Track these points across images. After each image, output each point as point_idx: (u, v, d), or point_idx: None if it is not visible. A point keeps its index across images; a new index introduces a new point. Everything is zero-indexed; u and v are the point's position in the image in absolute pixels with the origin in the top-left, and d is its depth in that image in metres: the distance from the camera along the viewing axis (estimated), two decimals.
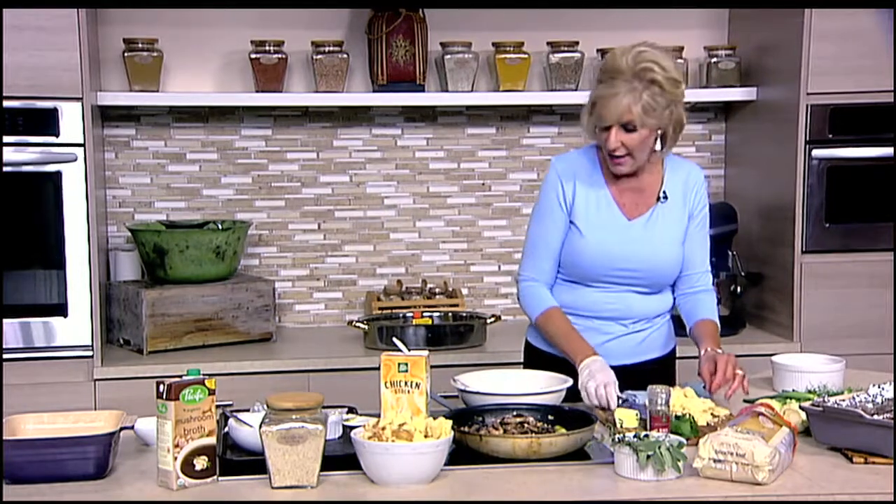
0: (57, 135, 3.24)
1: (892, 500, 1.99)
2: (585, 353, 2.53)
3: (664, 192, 2.66)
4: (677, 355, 2.84)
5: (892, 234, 3.57)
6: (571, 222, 2.64)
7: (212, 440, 2.05)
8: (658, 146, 2.58)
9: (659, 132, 2.56)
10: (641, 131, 2.53)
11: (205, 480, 2.04)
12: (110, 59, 3.66)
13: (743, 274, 3.78)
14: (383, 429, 2.07)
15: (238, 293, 3.56)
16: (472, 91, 3.77)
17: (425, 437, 2.05)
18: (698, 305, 2.70)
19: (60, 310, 3.29)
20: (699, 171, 2.74)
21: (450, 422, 2.12)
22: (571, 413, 2.31)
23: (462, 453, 2.17)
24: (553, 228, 2.65)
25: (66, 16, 3.19)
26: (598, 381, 2.43)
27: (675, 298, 2.74)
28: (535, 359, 2.76)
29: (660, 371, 2.71)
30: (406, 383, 2.21)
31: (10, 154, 3.22)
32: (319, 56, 3.67)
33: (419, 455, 2.02)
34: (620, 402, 2.38)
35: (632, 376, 2.56)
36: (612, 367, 2.51)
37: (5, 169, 3.22)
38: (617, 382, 2.44)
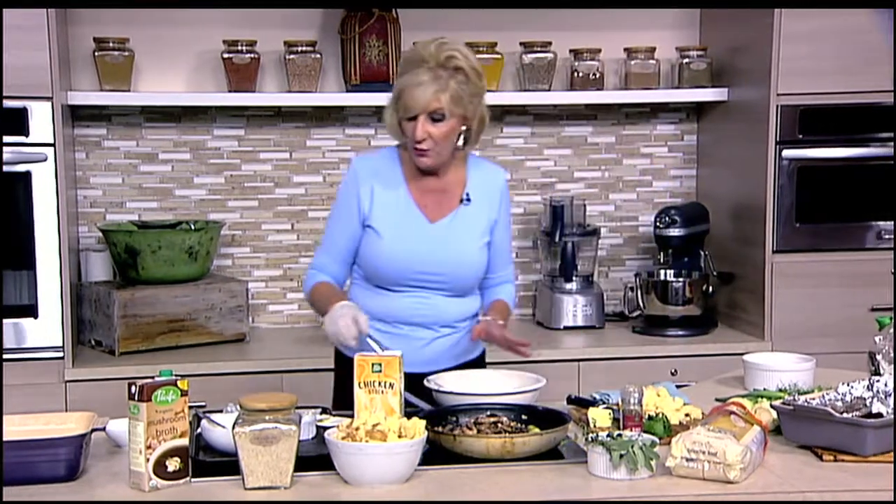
0: (27, 134, 3.21)
1: (893, 500, 2.00)
2: (339, 298, 2.54)
3: (467, 195, 2.63)
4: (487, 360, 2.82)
5: (861, 235, 3.61)
6: (370, 225, 2.60)
7: (184, 441, 2.04)
8: (461, 143, 2.58)
9: (463, 128, 2.56)
10: (449, 121, 2.52)
11: (177, 482, 2.03)
12: (81, 59, 3.64)
13: (714, 273, 3.81)
14: (357, 429, 2.07)
15: (211, 294, 3.55)
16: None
17: (399, 437, 2.05)
18: (496, 293, 2.72)
19: (31, 311, 3.26)
20: (503, 174, 2.73)
21: (423, 422, 2.12)
22: (545, 413, 2.31)
23: (436, 453, 2.17)
24: (343, 229, 2.63)
25: (35, 15, 3.16)
26: (342, 315, 2.44)
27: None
28: (342, 364, 2.66)
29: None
30: (380, 384, 2.21)
31: None
32: (292, 56, 3.66)
33: (393, 455, 2.02)
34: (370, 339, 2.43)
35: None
36: (429, 373, 2.52)
37: None
38: (365, 317, 2.46)
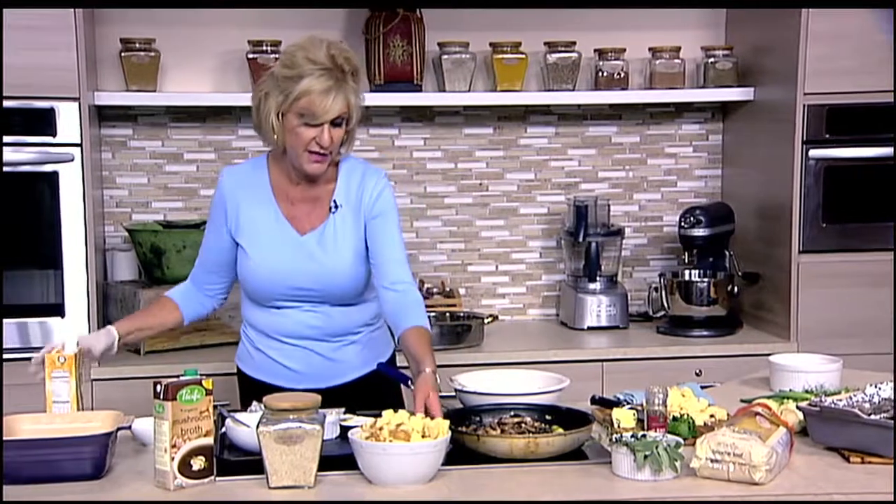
0: (54, 135, 3.24)
1: (893, 500, 1.99)
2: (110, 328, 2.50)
3: (335, 202, 2.50)
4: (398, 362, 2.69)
5: (889, 234, 3.58)
6: (238, 243, 2.52)
7: (209, 440, 2.05)
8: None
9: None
10: (346, 125, 2.44)
11: (202, 481, 2.04)
12: (107, 59, 3.66)
13: (740, 274, 3.79)
14: (381, 429, 2.07)
15: (235, 293, 3.54)
16: (469, 91, 3.77)
17: (423, 437, 2.05)
18: (405, 310, 2.46)
19: (58, 310, 3.29)
20: (374, 171, 2.56)
21: (447, 422, 2.12)
22: (568, 413, 2.31)
23: (459, 453, 2.17)
24: (213, 243, 2.58)
25: (62, 16, 3.19)
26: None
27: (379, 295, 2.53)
28: (246, 387, 2.64)
29: (385, 380, 2.57)
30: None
31: (7, 154, 3.21)
32: None
33: (416, 455, 2.02)
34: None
35: (360, 391, 2.51)
36: (332, 389, 2.46)
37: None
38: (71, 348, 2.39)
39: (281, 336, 2.56)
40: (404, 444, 2.02)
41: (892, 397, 2.24)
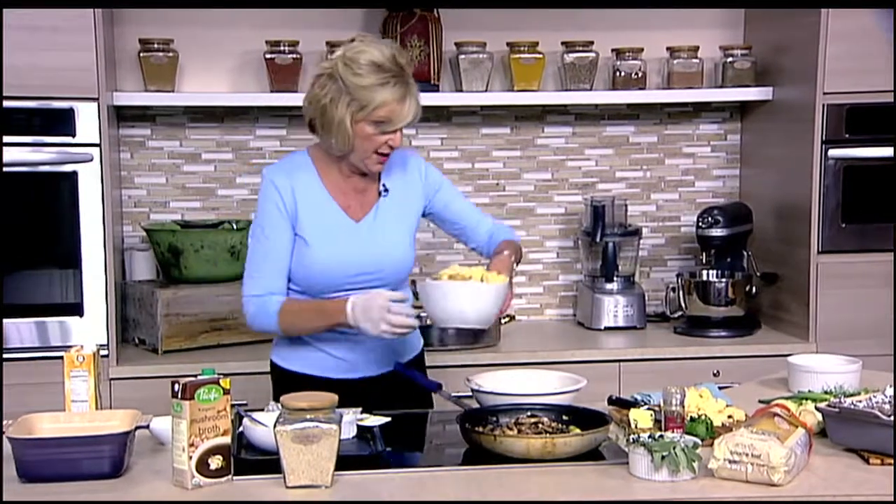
0: (73, 135, 3.25)
1: (893, 500, 1.98)
2: (345, 301, 2.43)
3: (384, 186, 2.58)
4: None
5: None
6: (297, 234, 2.52)
7: (226, 439, 2.06)
8: None
9: None
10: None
11: (219, 480, 2.05)
12: (126, 60, 3.68)
13: (758, 274, 3.77)
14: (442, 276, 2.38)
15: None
16: (486, 91, 3.77)
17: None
18: (496, 236, 2.68)
19: (76, 309, 3.30)
20: (411, 152, 2.68)
21: (505, 277, 2.39)
22: (586, 413, 2.30)
23: (476, 453, 2.17)
24: (280, 241, 2.51)
25: (81, 16, 3.20)
26: (380, 314, 2.38)
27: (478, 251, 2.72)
28: (283, 381, 2.61)
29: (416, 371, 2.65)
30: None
31: (26, 154, 3.23)
32: None
33: (471, 292, 2.32)
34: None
35: (394, 381, 2.54)
36: (374, 378, 2.51)
37: (22, 169, 3.23)
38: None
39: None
40: (461, 283, 2.31)
41: (894, 397, 2.23)
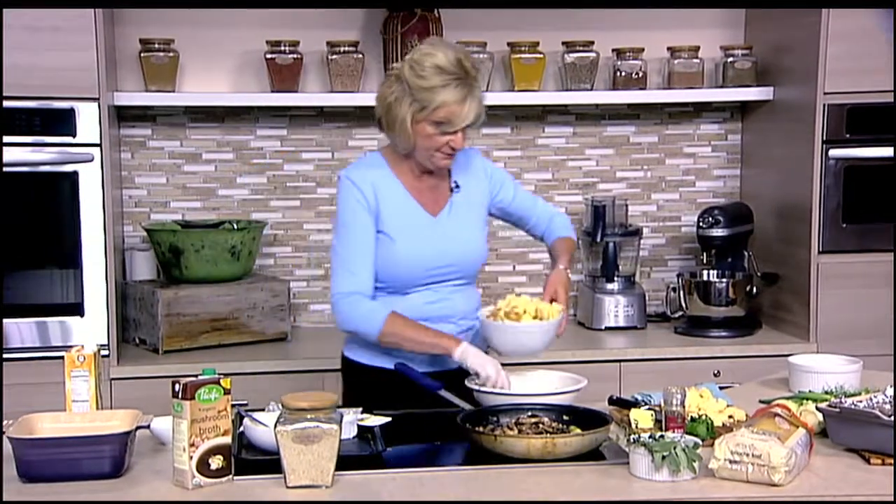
0: (74, 135, 3.25)
1: (893, 500, 1.98)
2: (455, 339, 2.55)
3: (455, 182, 2.67)
4: None
5: None
6: (382, 231, 2.59)
7: (227, 439, 2.06)
8: None
9: None
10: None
11: (220, 480, 2.05)
12: (126, 60, 3.68)
13: (759, 274, 3.77)
14: (499, 310, 2.56)
15: (253, 293, 3.57)
16: (486, 91, 3.75)
17: (534, 317, 2.52)
18: (551, 227, 2.82)
19: (77, 309, 3.30)
20: (474, 150, 2.76)
21: (560, 307, 2.56)
22: (586, 413, 2.30)
23: (477, 453, 2.17)
24: (365, 237, 2.57)
25: (82, 16, 3.20)
26: (494, 366, 2.49)
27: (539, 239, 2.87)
28: (354, 374, 2.69)
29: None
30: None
31: (27, 154, 3.23)
32: (335, 56, 3.67)
33: (523, 333, 2.51)
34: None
35: (460, 376, 2.56)
36: (449, 371, 2.55)
37: (22, 169, 3.24)
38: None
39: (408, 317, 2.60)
40: (522, 325, 2.49)
41: (894, 397, 2.23)
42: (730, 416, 2.33)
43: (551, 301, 2.60)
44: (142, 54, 3.62)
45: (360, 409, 2.39)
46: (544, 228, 2.84)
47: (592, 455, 2.17)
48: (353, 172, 2.62)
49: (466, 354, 2.52)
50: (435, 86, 2.47)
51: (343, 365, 2.75)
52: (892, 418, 2.12)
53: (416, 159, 2.60)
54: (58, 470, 2.04)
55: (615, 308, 3.76)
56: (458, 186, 2.67)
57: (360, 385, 2.68)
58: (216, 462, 2.04)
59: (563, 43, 3.79)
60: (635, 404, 2.39)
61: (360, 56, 3.69)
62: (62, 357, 2.35)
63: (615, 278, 3.79)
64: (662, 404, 2.24)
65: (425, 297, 2.62)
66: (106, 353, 3.27)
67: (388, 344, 2.58)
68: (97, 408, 2.33)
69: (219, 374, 2.07)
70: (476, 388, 2.49)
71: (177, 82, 3.66)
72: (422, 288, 2.61)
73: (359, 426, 2.29)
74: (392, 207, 2.59)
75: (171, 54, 3.63)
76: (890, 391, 2.27)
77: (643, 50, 3.82)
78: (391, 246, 2.58)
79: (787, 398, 2.48)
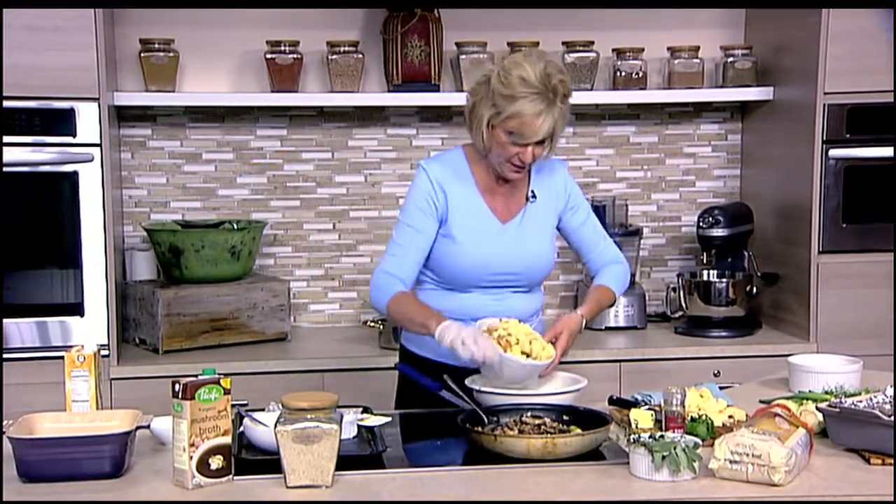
0: (74, 135, 3.25)
1: (893, 500, 1.98)
2: (440, 318, 2.48)
3: (532, 192, 2.66)
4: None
5: None
6: (447, 230, 2.61)
7: (227, 439, 2.06)
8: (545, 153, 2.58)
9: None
10: (550, 142, 2.54)
11: (220, 480, 2.05)
12: (126, 60, 3.68)
13: (759, 274, 3.77)
14: (494, 331, 2.44)
15: (253, 293, 3.57)
16: None
17: (522, 353, 2.42)
18: (604, 273, 2.75)
19: (77, 309, 3.30)
20: (560, 164, 2.74)
21: (551, 350, 2.45)
22: (586, 413, 2.30)
23: (476, 453, 2.17)
24: (422, 234, 2.60)
25: (82, 16, 3.20)
26: (467, 334, 2.41)
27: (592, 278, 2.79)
28: (409, 361, 2.70)
29: None
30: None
31: (27, 154, 3.23)
32: (334, 56, 3.67)
33: (507, 365, 2.40)
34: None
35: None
36: (455, 368, 2.54)
37: (22, 169, 3.24)
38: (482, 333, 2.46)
39: (462, 316, 2.59)
40: (510, 358, 2.38)
41: (894, 397, 2.23)
42: (730, 416, 2.33)
43: (551, 341, 2.51)
44: (142, 54, 3.62)
45: (361, 409, 2.38)
46: (597, 269, 2.77)
47: (592, 455, 2.17)
48: (431, 165, 2.64)
49: (443, 335, 2.44)
50: (514, 94, 2.46)
51: (400, 352, 2.79)
52: (892, 418, 2.12)
53: (490, 163, 2.61)
54: (58, 470, 2.04)
55: (615, 308, 3.75)
56: (534, 196, 2.66)
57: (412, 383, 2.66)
58: (216, 462, 2.04)
59: (563, 43, 3.79)
60: (635, 404, 2.39)
61: (360, 56, 3.69)
62: (62, 357, 2.35)
63: None
64: (662, 404, 2.24)
65: (484, 299, 2.63)
66: (106, 353, 3.27)
67: (394, 320, 2.65)
68: (97, 408, 2.33)
69: (219, 374, 2.07)
70: (476, 388, 2.48)
71: (177, 82, 3.66)
72: (482, 290, 2.63)
73: (358, 426, 2.29)
74: (461, 209, 2.61)
75: (171, 54, 3.63)
76: (890, 391, 2.27)
77: (643, 50, 3.82)
78: (455, 247, 2.61)
79: (787, 398, 2.48)
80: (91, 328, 3.29)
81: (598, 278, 2.75)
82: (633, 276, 3.83)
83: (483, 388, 2.47)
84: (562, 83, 2.48)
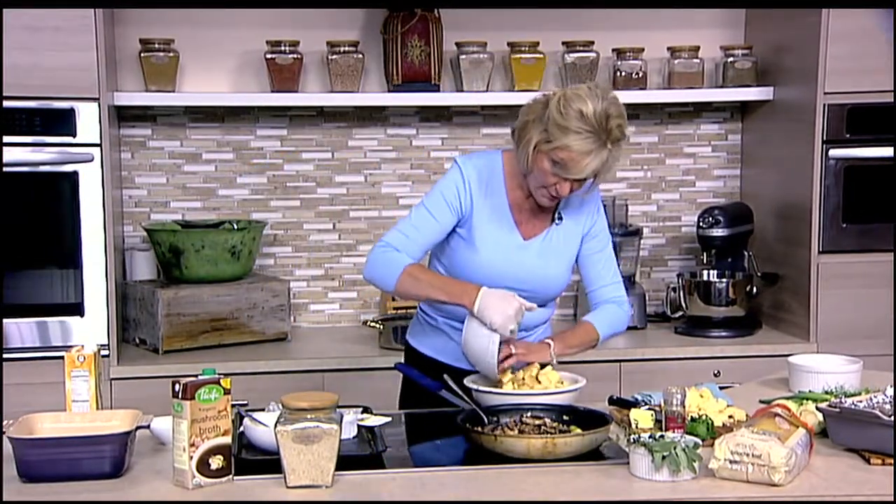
0: (74, 135, 3.25)
1: (893, 500, 1.98)
2: (477, 288, 2.45)
3: (559, 214, 2.63)
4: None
5: None
6: (466, 233, 2.58)
7: (227, 439, 2.06)
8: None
9: None
10: (589, 181, 2.52)
11: (220, 480, 2.05)
12: (127, 60, 3.68)
13: (759, 274, 3.77)
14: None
15: (253, 293, 3.57)
16: (487, 91, 3.77)
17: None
18: (597, 311, 2.68)
19: (77, 309, 3.30)
20: (597, 197, 2.69)
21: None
22: (586, 413, 2.30)
23: (476, 453, 2.17)
24: (439, 223, 2.57)
25: (82, 16, 3.20)
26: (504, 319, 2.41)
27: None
28: (415, 361, 2.70)
29: None
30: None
31: (27, 154, 3.23)
32: (334, 56, 3.67)
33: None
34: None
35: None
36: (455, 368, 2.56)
37: (22, 169, 3.24)
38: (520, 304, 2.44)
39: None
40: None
41: (894, 397, 2.23)
42: (730, 416, 2.33)
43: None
44: (142, 54, 3.62)
45: (361, 409, 2.38)
46: (594, 304, 2.71)
47: (592, 455, 2.17)
48: (467, 166, 2.60)
49: (484, 303, 2.42)
50: (568, 127, 2.41)
51: (406, 351, 2.78)
52: (892, 418, 2.12)
53: (528, 182, 2.57)
54: (58, 470, 2.04)
55: None
56: (560, 219, 2.63)
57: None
58: (216, 462, 2.04)
59: (564, 43, 3.79)
60: (635, 404, 2.39)
61: (360, 56, 3.69)
62: (62, 357, 2.35)
63: None
64: (662, 404, 2.24)
65: None
66: (106, 353, 3.27)
67: (404, 289, 2.53)
68: (97, 408, 2.33)
69: (219, 374, 2.07)
70: (476, 388, 2.48)
71: (177, 82, 3.66)
72: None
73: (358, 426, 2.29)
74: (487, 217, 2.58)
75: (171, 54, 3.63)
76: (890, 391, 2.27)
77: (643, 50, 3.82)
78: (473, 255, 2.59)
79: (787, 398, 2.48)
80: (91, 328, 3.29)
81: (591, 316, 2.68)
82: (633, 276, 3.86)
83: (483, 388, 2.47)
84: (618, 127, 2.43)
